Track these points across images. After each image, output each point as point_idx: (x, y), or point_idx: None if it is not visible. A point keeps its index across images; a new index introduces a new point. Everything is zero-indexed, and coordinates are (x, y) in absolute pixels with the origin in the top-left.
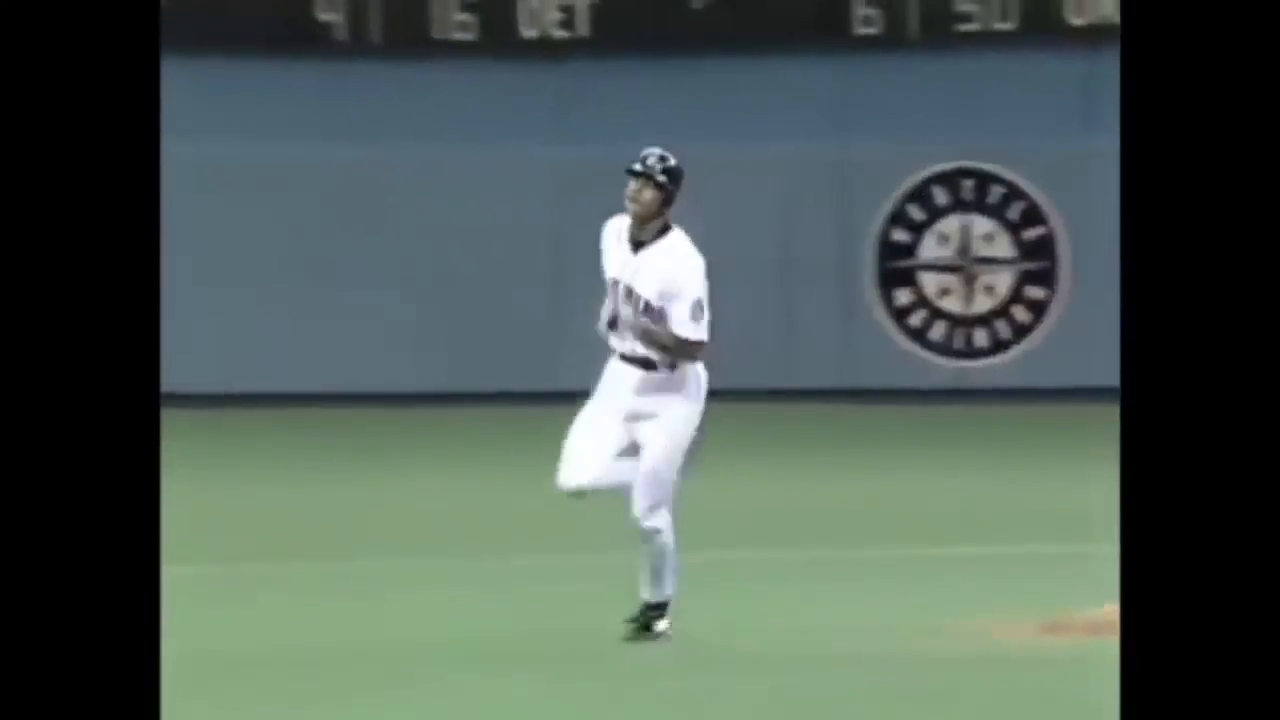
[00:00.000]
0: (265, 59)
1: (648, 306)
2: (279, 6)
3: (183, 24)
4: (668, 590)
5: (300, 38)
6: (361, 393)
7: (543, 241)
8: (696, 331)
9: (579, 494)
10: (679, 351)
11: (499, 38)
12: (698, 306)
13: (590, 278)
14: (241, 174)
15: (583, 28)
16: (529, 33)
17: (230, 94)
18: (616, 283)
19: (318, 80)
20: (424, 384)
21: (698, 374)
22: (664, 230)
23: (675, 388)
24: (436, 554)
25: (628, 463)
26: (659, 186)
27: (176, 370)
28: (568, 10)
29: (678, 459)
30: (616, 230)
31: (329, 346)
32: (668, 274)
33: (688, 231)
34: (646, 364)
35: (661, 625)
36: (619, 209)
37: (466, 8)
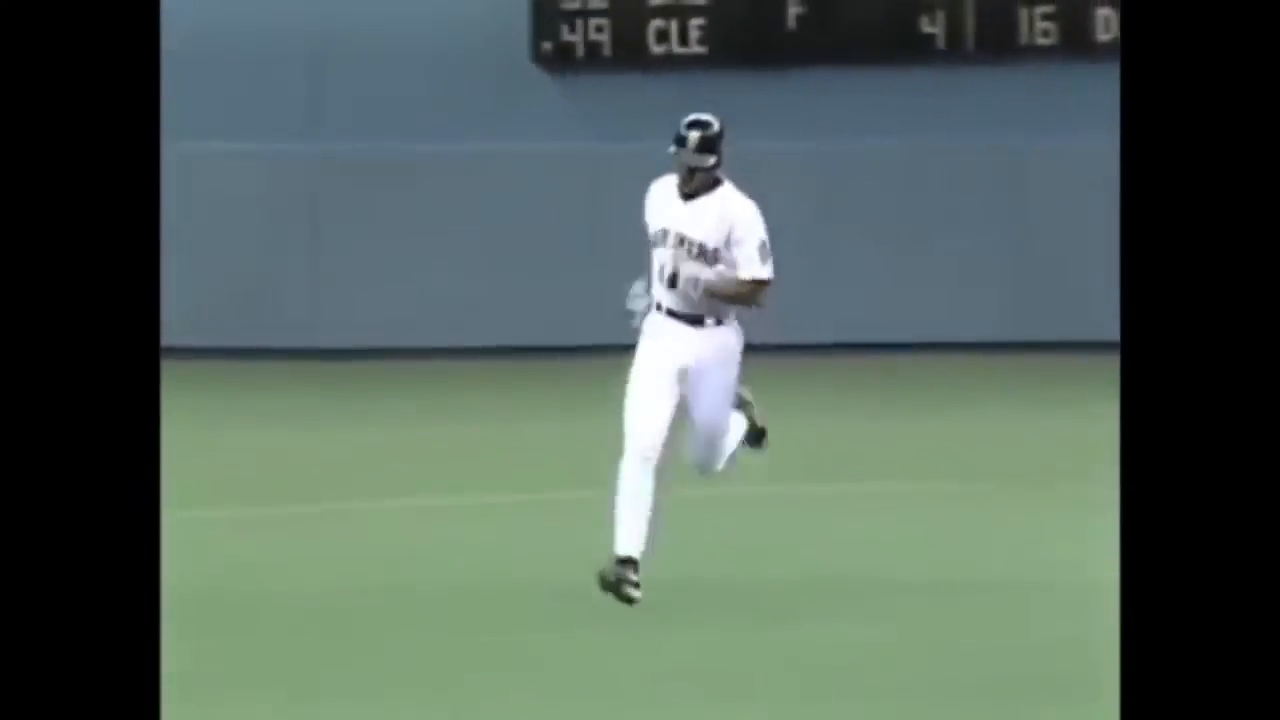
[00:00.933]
0: (876, 67)
1: (701, 250)
2: (889, 22)
3: (804, 42)
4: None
5: (906, 48)
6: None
7: (1099, 222)
8: (764, 270)
9: (646, 463)
10: (747, 295)
11: (1076, 42)
12: (764, 247)
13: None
14: (850, 164)
15: None
16: (1103, 37)
17: (846, 95)
18: (666, 232)
19: (919, 83)
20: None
21: (738, 328)
22: (715, 183)
23: (721, 342)
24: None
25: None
26: (709, 169)
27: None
28: None
29: (729, 410)
30: (665, 187)
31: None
32: (727, 218)
33: None
34: (693, 320)
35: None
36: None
37: (1047, 17)
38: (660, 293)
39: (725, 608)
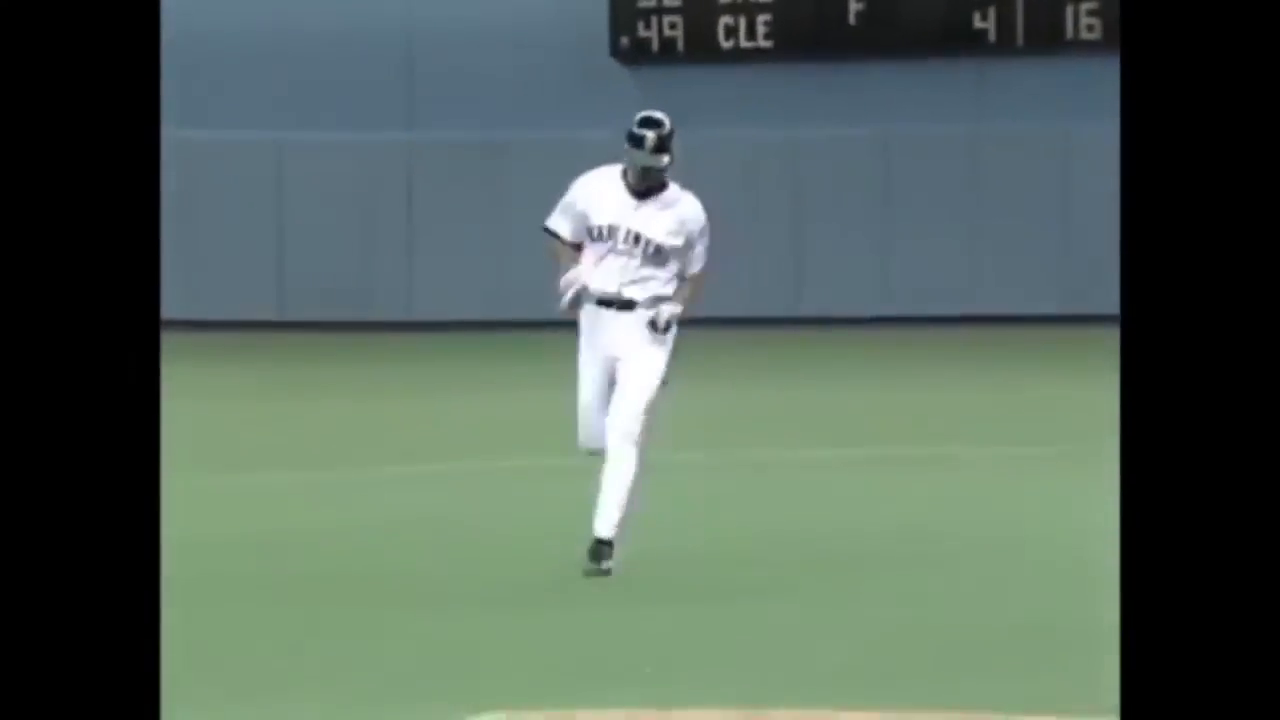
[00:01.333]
0: (931, 60)
1: (658, 250)
2: (944, 18)
3: (864, 37)
4: (614, 524)
5: (959, 42)
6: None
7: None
8: (705, 262)
9: (598, 454)
10: (701, 289)
11: (1118, 35)
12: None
13: None
14: (906, 150)
15: None
16: None
17: (903, 86)
18: (616, 229)
19: (972, 75)
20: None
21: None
22: (663, 183)
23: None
24: None
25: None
26: (664, 169)
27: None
28: None
29: (653, 393)
30: (606, 182)
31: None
32: (687, 222)
33: None
34: (625, 305)
35: (608, 564)
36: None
37: (1091, 13)
38: (593, 281)
39: (749, 577)
